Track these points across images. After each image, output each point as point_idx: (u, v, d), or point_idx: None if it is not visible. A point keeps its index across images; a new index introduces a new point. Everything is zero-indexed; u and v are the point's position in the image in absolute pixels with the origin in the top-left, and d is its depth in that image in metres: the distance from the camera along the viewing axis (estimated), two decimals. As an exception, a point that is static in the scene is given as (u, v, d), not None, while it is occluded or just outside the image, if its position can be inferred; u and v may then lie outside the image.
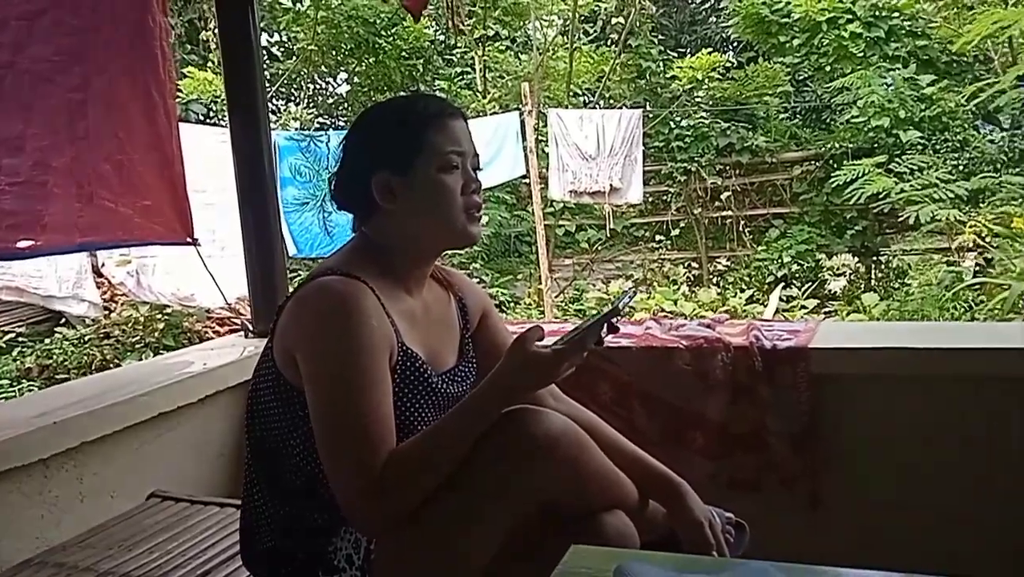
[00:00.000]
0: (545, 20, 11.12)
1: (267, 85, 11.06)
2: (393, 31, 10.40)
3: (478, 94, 10.73)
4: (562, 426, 1.24)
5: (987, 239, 5.54)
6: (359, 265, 1.29)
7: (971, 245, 6.26)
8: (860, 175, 6.85)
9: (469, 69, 11.33)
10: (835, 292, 8.52)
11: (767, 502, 2.09)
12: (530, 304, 9.06)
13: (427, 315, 1.38)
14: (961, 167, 6.98)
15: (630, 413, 2.29)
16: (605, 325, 1.22)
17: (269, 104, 11.65)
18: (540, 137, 8.22)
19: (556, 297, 9.43)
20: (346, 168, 1.37)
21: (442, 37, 11.95)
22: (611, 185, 7.61)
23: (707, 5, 13.77)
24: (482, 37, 10.41)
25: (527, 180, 8.02)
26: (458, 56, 11.29)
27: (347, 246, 1.38)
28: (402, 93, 10.33)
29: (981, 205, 6.21)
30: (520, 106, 8.05)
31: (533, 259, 9.26)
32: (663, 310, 7.59)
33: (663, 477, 1.44)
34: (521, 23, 11.10)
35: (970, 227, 5.62)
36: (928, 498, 1.93)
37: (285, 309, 1.28)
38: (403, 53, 10.67)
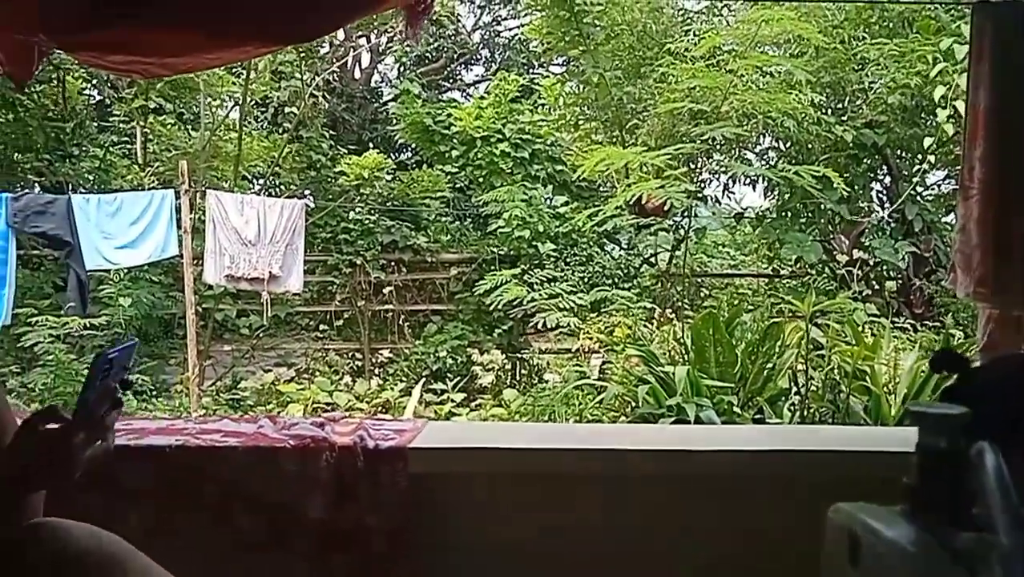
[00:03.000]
0: (215, 99, 10.88)
1: None
2: (40, 88, 9.49)
3: (136, 166, 10.10)
4: (95, 542, 1.18)
5: (600, 345, 6.37)
6: None
7: (595, 348, 7.11)
8: (501, 283, 7.54)
9: (129, 138, 10.66)
10: (485, 386, 9.13)
11: (369, 601, 2.16)
12: (181, 391, 8.52)
13: None
14: (586, 279, 7.99)
15: (233, 515, 2.26)
16: (116, 384, 1.19)
17: None
18: (201, 218, 7.94)
19: (210, 385, 8.96)
20: None
21: (102, 100, 11.15)
22: (271, 273, 7.52)
23: (387, 106, 14.43)
24: (143, 107, 9.88)
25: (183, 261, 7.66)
26: (116, 123, 10.59)
27: None
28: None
29: (598, 314, 7.13)
30: (178, 184, 7.73)
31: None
32: (318, 402, 7.57)
33: None
34: (191, 98, 10.75)
35: (584, 334, 6.42)
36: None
37: None
38: (49, 113, 9.75)
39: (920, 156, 7.79)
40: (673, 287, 8.17)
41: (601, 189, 9.38)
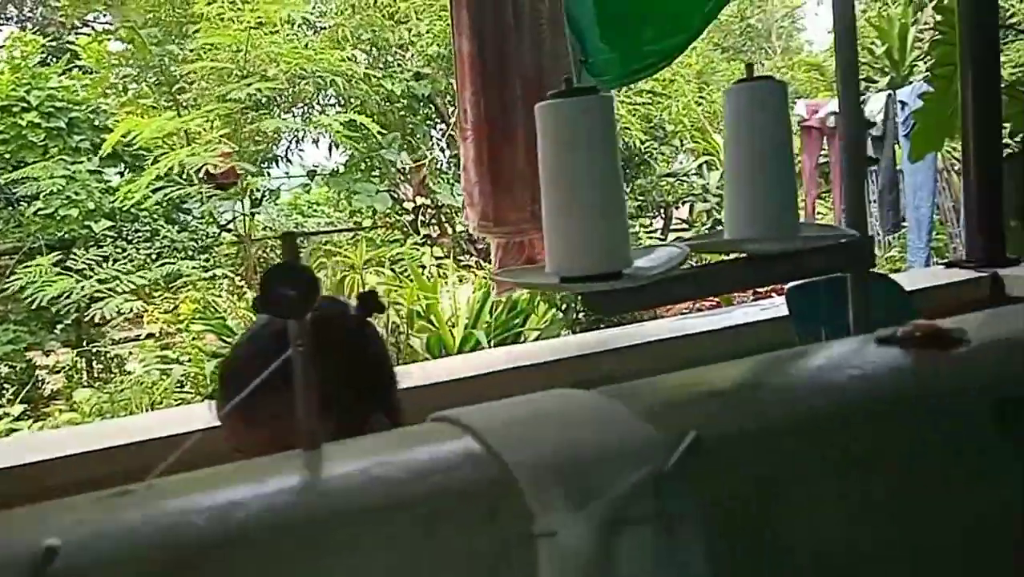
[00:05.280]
0: None
1: None
2: None
3: None
4: None
5: (168, 324, 5.93)
6: None
7: (171, 330, 6.60)
8: (39, 276, 6.57)
9: None
10: (57, 390, 8.04)
11: None
12: None
13: None
14: (153, 256, 7.34)
15: None
16: None
17: None
18: None
19: None
20: None
21: None
22: None
23: None
24: None
25: None
26: None
27: None
28: None
29: (171, 292, 6.62)
30: None
31: None
32: None
33: None
34: None
35: (149, 316, 5.92)
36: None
37: None
38: None
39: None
40: (255, 252, 7.90)
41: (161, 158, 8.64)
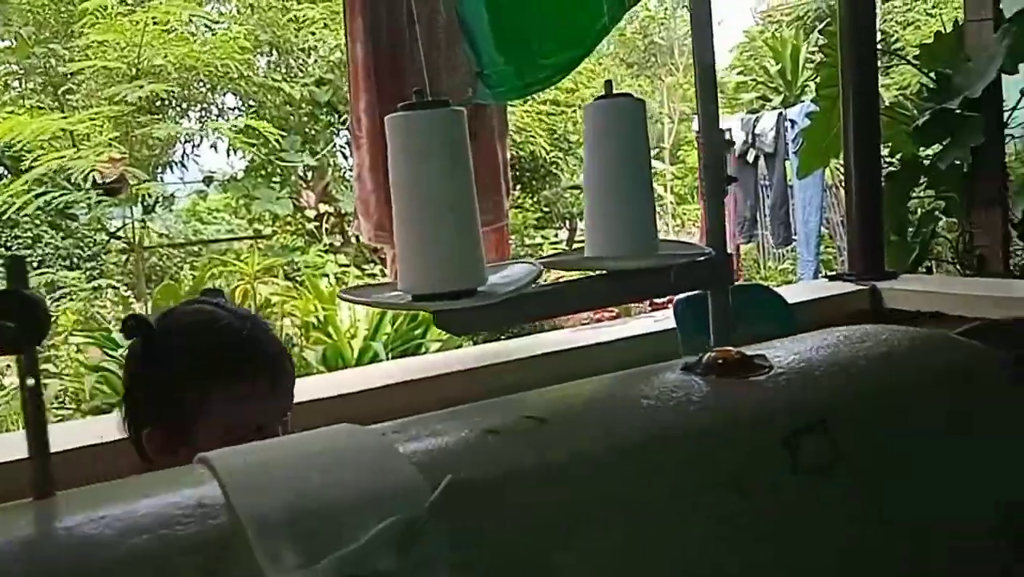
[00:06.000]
0: None
1: None
2: None
3: None
4: None
5: (49, 338, 5.61)
6: None
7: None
8: None
9: None
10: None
11: None
12: None
13: None
14: (34, 264, 6.95)
15: None
16: None
17: None
18: None
19: None
20: None
21: None
22: None
23: None
24: None
25: None
26: None
27: None
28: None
29: (51, 301, 6.26)
30: None
31: None
32: None
33: None
34: None
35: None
36: None
37: None
38: None
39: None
40: (147, 260, 7.57)
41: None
